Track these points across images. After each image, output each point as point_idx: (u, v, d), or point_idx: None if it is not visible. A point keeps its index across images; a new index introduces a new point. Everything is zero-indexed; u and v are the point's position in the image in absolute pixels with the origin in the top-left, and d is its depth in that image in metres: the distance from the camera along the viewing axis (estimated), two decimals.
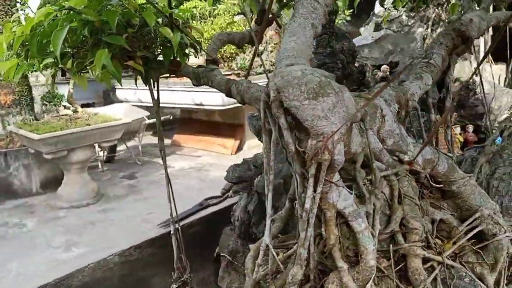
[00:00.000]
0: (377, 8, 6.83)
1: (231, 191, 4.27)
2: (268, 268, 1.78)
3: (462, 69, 6.06)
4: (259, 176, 3.05)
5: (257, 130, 3.19)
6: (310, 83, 1.36)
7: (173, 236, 2.54)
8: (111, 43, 1.85)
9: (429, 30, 5.73)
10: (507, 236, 1.83)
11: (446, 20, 5.75)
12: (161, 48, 2.16)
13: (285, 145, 1.48)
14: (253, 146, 6.81)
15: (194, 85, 2.38)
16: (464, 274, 1.73)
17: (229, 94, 2.23)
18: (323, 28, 3.04)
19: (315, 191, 1.45)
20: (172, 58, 2.21)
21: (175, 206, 2.54)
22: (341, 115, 1.37)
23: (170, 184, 2.50)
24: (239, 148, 6.89)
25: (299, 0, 1.71)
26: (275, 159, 3.12)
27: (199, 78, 2.30)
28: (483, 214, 1.88)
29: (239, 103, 2.22)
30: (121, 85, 3.15)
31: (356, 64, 3.56)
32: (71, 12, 1.81)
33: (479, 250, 1.85)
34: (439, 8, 5.92)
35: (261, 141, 3.35)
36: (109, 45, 1.85)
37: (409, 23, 5.68)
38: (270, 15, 2.52)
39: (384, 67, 4.45)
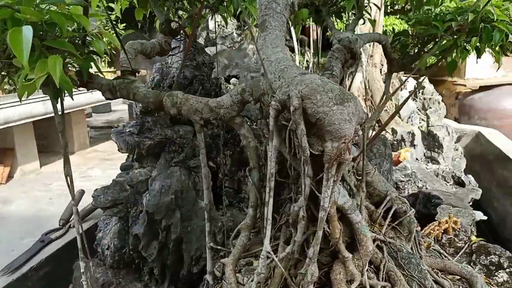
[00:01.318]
0: (211, 24, 6.98)
1: (72, 221, 3.79)
2: (252, 277, 1.78)
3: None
4: (147, 195, 2.86)
5: (131, 146, 2.98)
6: (334, 90, 1.47)
7: None
8: (56, 50, 1.53)
9: None
10: (412, 211, 2.29)
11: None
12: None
13: (302, 149, 1.53)
14: (28, 172, 6.07)
15: (107, 98, 2.11)
16: (400, 247, 2.10)
17: (159, 107, 2.09)
18: None
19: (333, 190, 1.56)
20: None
21: None
22: (356, 118, 1.53)
23: None
24: (10, 176, 6.00)
25: (267, 14, 1.78)
26: (161, 175, 2.98)
27: (115, 91, 2.06)
28: (392, 197, 2.30)
29: (173, 116, 2.11)
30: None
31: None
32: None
33: (396, 226, 2.26)
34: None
35: (133, 159, 3.16)
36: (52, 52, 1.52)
37: (239, 40, 6.13)
38: (177, 25, 2.45)
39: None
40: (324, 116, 1.46)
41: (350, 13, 2.89)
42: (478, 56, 2.61)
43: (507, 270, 2.87)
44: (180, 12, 2.75)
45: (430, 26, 2.58)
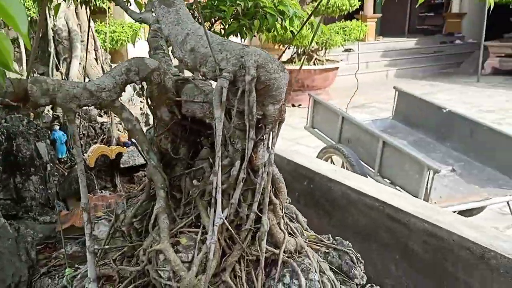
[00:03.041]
0: None
1: None
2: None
3: None
4: None
5: None
6: (275, 59, 1.68)
7: None
8: None
9: None
10: None
11: None
12: None
13: (251, 115, 1.67)
14: None
15: None
16: None
17: (24, 98, 1.68)
18: None
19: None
20: None
21: None
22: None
23: None
24: None
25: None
26: None
27: None
28: None
29: (45, 105, 1.74)
30: None
31: None
32: None
33: None
34: None
35: None
36: None
37: None
38: None
39: None
40: (274, 82, 1.66)
41: None
42: (242, 37, 3.17)
43: None
44: None
45: (215, 10, 2.96)
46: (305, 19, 3.14)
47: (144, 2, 2.70)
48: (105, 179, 4.03)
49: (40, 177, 2.88)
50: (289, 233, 1.94)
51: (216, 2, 3.01)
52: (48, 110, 4.31)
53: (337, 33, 10.17)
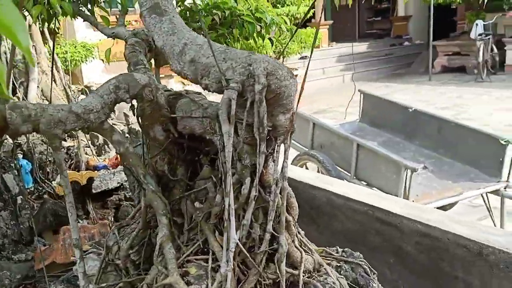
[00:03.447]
0: None
1: None
2: None
3: None
4: None
5: None
6: (283, 66, 1.56)
7: None
8: None
9: None
10: None
11: None
12: None
13: (262, 127, 1.54)
14: None
15: None
16: None
17: (2, 126, 1.47)
18: None
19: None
20: None
21: None
22: None
23: None
24: None
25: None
26: None
27: None
28: None
29: (26, 133, 1.54)
30: None
31: None
32: None
33: None
34: None
35: None
36: None
37: None
38: None
39: None
40: (285, 90, 1.54)
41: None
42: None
43: None
44: None
45: (190, 21, 2.81)
46: (281, 26, 3.06)
47: (116, 16, 2.52)
48: (76, 207, 3.76)
49: (10, 212, 2.62)
50: (305, 251, 1.82)
51: (188, 13, 2.87)
52: (7, 138, 3.99)
53: (293, 41, 10.23)
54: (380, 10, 17.47)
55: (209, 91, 1.56)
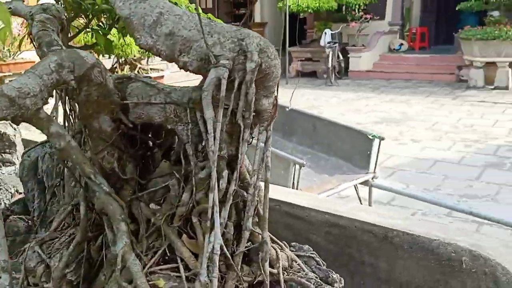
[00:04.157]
0: None
1: None
2: None
3: None
4: None
5: None
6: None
7: None
8: None
9: None
10: None
11: None
12: None
13: (249, 111, 1.36)
14: None
15: None
16: None
17: None
18: None
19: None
20: None
21: None
22: None
23: None
24: None
25: None
26: None
27: None
28: None
29: None
30: None
31: None
32: None
33: None
34: None
35: None
36: None
37: None
38: None
39: None
40: (273, 70, 1.39)
41: None
42: None
43: None
44: None
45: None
46: None
47: None
48: None
49: None
50: (279, 247, 1.68)
51: None
52: None
53: None
54: (239, 15, 17.93)
55: (187, 70, 1.33)
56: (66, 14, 2.43)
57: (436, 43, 15.57)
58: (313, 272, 1.93)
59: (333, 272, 1.95)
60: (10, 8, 2.02)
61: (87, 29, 2.26)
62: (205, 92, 1.28)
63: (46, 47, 1.81)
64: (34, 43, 1.90)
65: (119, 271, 1.35)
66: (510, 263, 2.06)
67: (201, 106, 1.33)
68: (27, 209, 2.59)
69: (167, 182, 1.56)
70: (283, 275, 1.57)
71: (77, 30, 2.31)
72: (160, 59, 1.37)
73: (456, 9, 12.08)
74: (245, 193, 1.52)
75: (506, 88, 10.54)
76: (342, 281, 1.97)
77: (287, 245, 1.99)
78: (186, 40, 1.30)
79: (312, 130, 5.79)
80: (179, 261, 1.48)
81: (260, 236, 1.56)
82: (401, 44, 14.51)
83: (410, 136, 7.31)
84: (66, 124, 1.92)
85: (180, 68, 1.34)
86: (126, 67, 9.67)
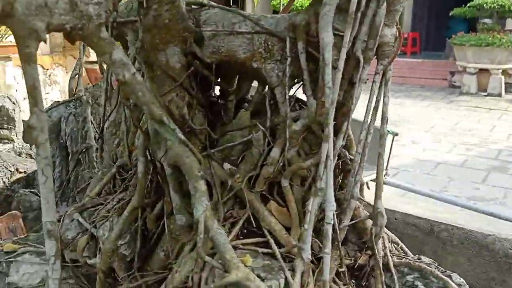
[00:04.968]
0: None
1: None
2: None
3: None
4: None
5: None
6: None
7: None
8: None
9: None
10: None
11: None
12: None
13: (371, 40, 1.05)
14: None
15: None
16: None
17: None
18: None
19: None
20: None
21: None
22: None
23: None
24: None
25: None
26: None
27: None
28: None
29: None
30: None
31: None
32: None
33: None
34: None
35: None
36: None
37: None
38: None
39: None
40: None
41: None
42: None
43: None
44: None
45: None
46: None
47: None
48: None
49: None
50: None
51: None
52: None
53: None
54: None
55: None
56: None
57: (426, 49, 15.48)
58: None
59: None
60: None
61: None
62: (327, 7, 0.96)
63: None
64: None
65: (200, 241, 1.03)
66: None
67: (310, 30, 1.01)
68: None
69: (248, 137, 1.24)
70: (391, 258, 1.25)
71: None
72: None
73: (450, 14, 11.91)
74: (347, 153, 1.20)
75: (499, 95, 10.42)
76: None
77: None
78: None
79: None
80: (266, 234, 1.16)
81: (361, 209, 1.25)
82: None
83: (409, 138, 7.12)
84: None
85: None
86: None
